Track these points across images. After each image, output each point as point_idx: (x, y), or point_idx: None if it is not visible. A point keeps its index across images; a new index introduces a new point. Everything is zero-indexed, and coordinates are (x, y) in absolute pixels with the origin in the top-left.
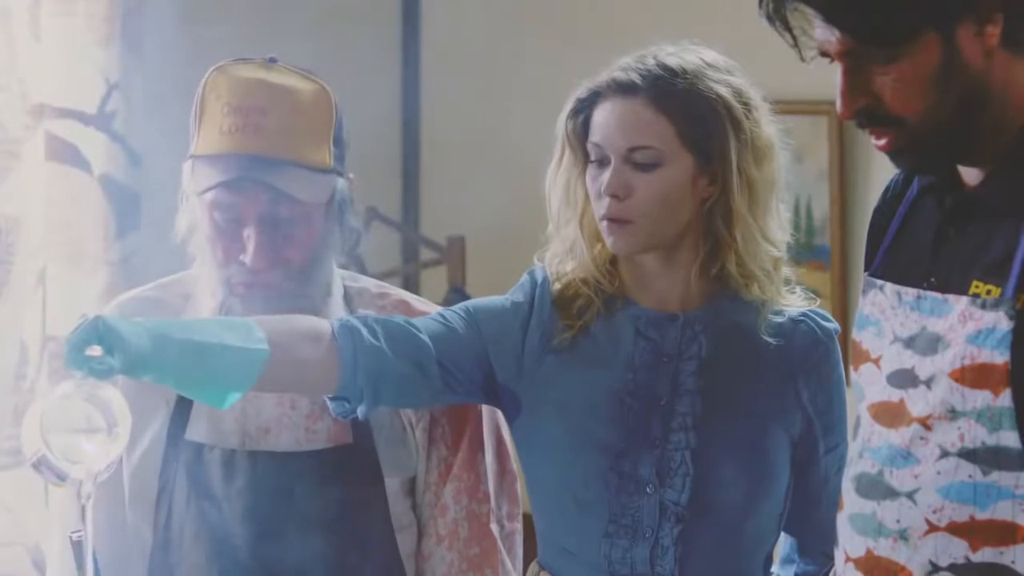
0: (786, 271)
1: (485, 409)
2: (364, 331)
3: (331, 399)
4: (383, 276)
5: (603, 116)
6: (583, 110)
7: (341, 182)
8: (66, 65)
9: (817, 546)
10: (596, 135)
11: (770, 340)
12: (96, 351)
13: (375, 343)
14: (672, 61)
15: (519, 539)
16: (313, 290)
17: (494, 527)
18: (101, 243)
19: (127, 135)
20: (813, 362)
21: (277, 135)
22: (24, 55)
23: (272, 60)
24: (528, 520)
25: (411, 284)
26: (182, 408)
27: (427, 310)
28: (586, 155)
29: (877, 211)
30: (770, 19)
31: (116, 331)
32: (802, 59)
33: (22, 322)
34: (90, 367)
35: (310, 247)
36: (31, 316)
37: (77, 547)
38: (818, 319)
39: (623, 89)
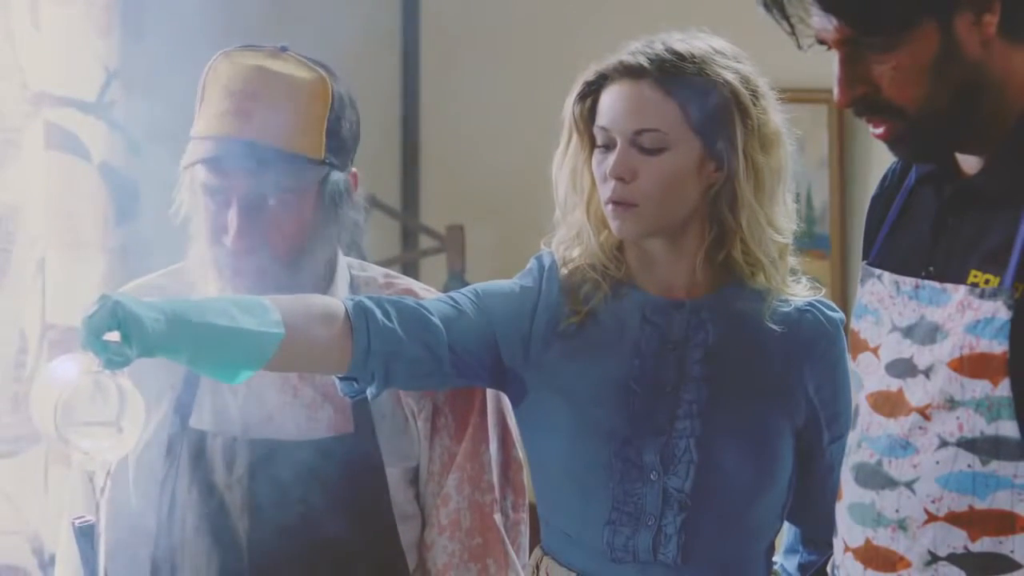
0: (792, 261)
1: (490, 397)
2: (378, 312)
3: (340, 379)
4: (382, 264)
5: (610, 99)
6: (590, 94)
7: (335, 174)
8: (66, 54)
9: (821, 536)
10: (603, 119)
11: (776, 329)
12: (114, 336)
13: (388, 325)
14: (680, 46)
15: (524, 529)
16: (304, 280)
17: (498, 517)
18: (100, 231)
19: (126, 123)
20: (819, 352)
21: (263, 121)
22: (24, 44)
23: (283, 48)
24: (533, 508)
25: (411, 272)
26: (187, 396)
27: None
28: (592, 140)
29: (875, 200)
30: (767, 7)
31: (135, 316)
32: (799, 47)
33: (22, 310)
34: (107, 357)
35: (295, 235)
36: (31, 304)
37: (80, 533)
38: (824, 309)
39: (631, 72)
